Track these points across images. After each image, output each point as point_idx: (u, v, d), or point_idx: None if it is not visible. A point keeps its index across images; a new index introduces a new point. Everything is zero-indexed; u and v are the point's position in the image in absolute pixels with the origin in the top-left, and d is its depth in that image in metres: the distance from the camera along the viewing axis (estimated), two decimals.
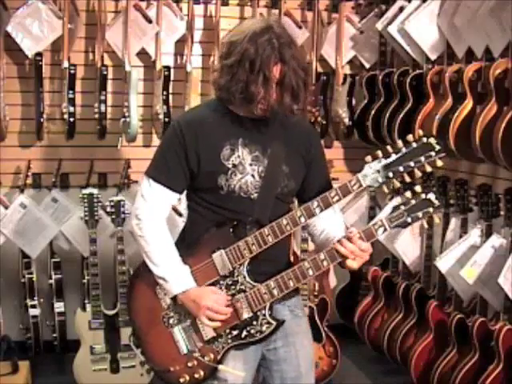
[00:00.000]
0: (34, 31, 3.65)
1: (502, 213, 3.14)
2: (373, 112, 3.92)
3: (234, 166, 2.06)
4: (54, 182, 3.88)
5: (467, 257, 3.17)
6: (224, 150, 2.07)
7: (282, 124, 2.13)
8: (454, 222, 3.42)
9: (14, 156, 3.88)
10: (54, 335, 3.81)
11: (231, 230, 2.07)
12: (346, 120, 4.08)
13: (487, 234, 3.16)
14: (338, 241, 2.01)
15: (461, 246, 3.24)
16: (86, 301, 3.54)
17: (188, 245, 2.14)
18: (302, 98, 2.06)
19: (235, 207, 2.08)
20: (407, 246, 3.72)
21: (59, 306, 3.79)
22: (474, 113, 3.14)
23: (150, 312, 2.17)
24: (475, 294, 3.21)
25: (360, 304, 3.99)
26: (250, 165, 2.08)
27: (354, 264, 2.01)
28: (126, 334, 3.52)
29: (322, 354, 3.61)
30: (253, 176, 2.08)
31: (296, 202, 2.29)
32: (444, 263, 3.26)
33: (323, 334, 3.61)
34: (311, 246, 3.80)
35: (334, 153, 4.34)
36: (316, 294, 3.62)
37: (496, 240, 3.11)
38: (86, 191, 3.54)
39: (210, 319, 2.07)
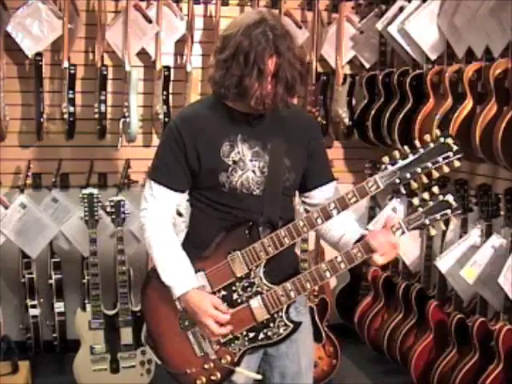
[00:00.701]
0: (34, 31, 3.65)
1: (502, 213, 3.14)
2: (373, 112, 3.92)
3: (235, 162, 2.04)
4: (54, 181, 3.87)
5: (467, 257, 3.17)
6: (223, 147, 2.05)
7: (281, 117, 2.10)
8: (454, 222, 3.42)
9: (14, 156, 3.88)
10: (54, 335, 3.81)
11: (247, 231, 2.05)
12: (346, 120, 4.08)
13: (487, 234, 3.16)
14: (369, 233, 1.99)
15: (461, 246, 3.24)
16: (86, 301, 3.54)
17: (198, 245, 2.11)
18: (299, 89, 2.03)
19: (240, 205, 2.07)
20: (407, 246, 3.72)
21: (59, 306, 3.79)
22: (474, 113, 3.14)
23: (166, 314, 2.14)
24: (475, 294, 3.21)
25: (360, 304, 3.99)
26: (251, 161, 2.06)
27: (380, 260, 1.98)
28: (126, 333, 3.53)
29: (322, 353, 3.61)
30: (254, 172, 2.06)
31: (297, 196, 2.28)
32: (444, 263, 3.26)
33: (323, 334, 3.61)
34: (311, 246, 3.82)
35: (334, 153, 4.33)
36: (316, 294, 3.61)
37: (496, 240, 3.11)
38: (86, 191, 3.54)
39: (209, 335, 2.07)
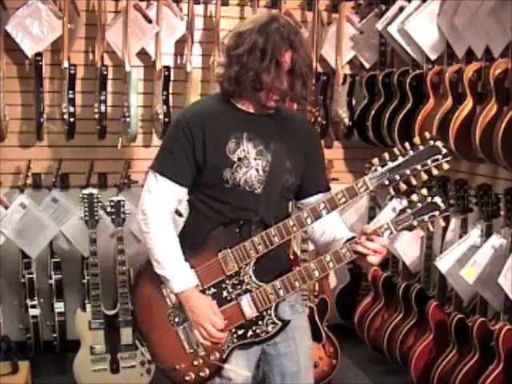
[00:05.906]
0: (34, 31, 3.65)
1: (502, 213, 3.14)
2: (373, 112, 3.93)
3: (240, 159, 2.07)
4: (54, 181, 3.88)
5: (467, 257, 3.17)
6: (229, 144, 2.07)
7: (284, 120, 2.15)
8: (454, 222, 3.42)
9: (14, 156, 3.88)
10: (54, 335, 3.81)
11: (237, 230, 2.07)
12: (346, 120, 4.08)
13: (487, 234, 3.16)
14: (356, 242, 1.99)
15: (461, 246, 3.24)
16: (86, 301, 3.54)
17: (191, 244, 2.12)
18: (309, 85, 2.09)
19: (239, 203, 2.08)
20: (407, 246, 3.72)
21: (59, 306, 3.79)
22: (474, 113, 3.15)
23: (156, 310, 2.16)
24: (475, 294, 3.21)
25: (360, 304, 3.99)
26: (255, 159, 2.08)
27: (375, 259, 1.99)
28: (126, 333, 3.52)
29: (322, 354, 3.61)
30: (257, 170, 2.08)
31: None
32: (444, 263, 3.26)
33: (323, 334, 3.61)
34: (311, 246, 3.81)
35: (334, 153, 4.34)
36: (316, 293, 3.62)
37: (496, 240, 3.11)
38: (86, 191, 3.54)
39: (203, 337, 2.08)
